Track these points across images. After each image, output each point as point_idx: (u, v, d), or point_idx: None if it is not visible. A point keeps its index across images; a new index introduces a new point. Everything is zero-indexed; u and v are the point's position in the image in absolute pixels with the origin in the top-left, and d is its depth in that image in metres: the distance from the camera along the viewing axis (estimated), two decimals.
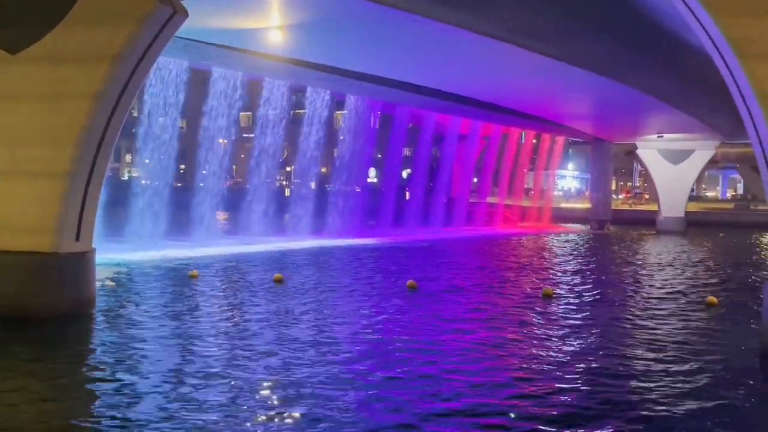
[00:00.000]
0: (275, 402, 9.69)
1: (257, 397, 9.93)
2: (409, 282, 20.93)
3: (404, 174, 66.16)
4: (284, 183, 66.97)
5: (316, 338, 13.61)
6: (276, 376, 10.89)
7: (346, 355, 12.48)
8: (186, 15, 15.42)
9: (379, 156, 64.97)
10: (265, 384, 10.50)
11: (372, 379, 10.93)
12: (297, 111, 50.52)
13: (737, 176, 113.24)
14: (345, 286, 21.07)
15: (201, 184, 40.19)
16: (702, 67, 21.18)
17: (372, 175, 66.67)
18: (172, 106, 33.61)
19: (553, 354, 12.96)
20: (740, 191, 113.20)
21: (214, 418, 9.00)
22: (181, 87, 33.24)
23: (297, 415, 9.18)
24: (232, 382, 10.48)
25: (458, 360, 12.36)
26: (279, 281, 21.25)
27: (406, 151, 62.94)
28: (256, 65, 30.63)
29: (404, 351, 12.88)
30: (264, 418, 9.04)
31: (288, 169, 70.64)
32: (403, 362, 12.05)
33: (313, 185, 47.07)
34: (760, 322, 13.87)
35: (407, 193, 55.91)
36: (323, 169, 57.49)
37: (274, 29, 24.76)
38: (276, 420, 8.98)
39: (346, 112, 45.98)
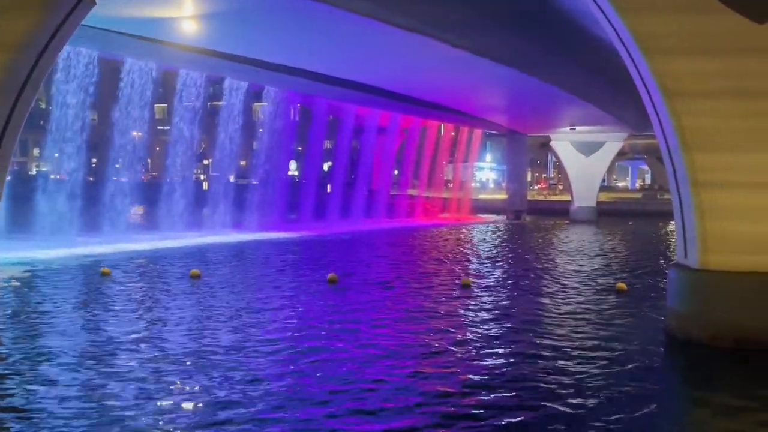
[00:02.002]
0: (183, 408, 9.37)
1: (163, 399, 9.65)
2: (330, 275, 20.89)
3: (325, 167, 65.95)
4: (202, 176, 65.58)
5: (232, 337, 13.37)
6: (192, 380, 10.65)
7: (262, 349, 12.33)
8: (93, 2, 14.82)
9: (300, 149, 64.51)
10: (175, 388, 10.23)
11: (283, 376, 10.67)
12: (214, 102, 49.52)
13: (645, 167, 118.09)
14: (264, 281, 20.83)
15: (114, 178, 38.93)
16: (611, 62, 21.92)
17: (292, 168, 66.16)
18: (83, 98, 32.40)
19: (469, 344, 13.18)
20: (648, 181, 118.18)
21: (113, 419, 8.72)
22: (92, 78, 32.07)
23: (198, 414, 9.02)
24: (140, 384, 10.19)
25: (376, 354, 12.39)
26: (196, 277, 20.82)
27: (327, 144, 62.76)
28: (171, 56, 29.85)
29: (320, 347, 12.83)
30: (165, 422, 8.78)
31: (206, 162, 69.27)
32: (317, 352, 12.01)
33: (231, 178, 46.32)
34: (666, 307, 14.52)
35: (328, 186, 55.79)
36: (242, 162, 56.65)
37: (187, 19, 24.18)
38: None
39: (264, 104, 45.43)
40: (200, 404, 9.35)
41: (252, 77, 36.36)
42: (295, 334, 13.53)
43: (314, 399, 9.66)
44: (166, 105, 57.76)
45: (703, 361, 12.40)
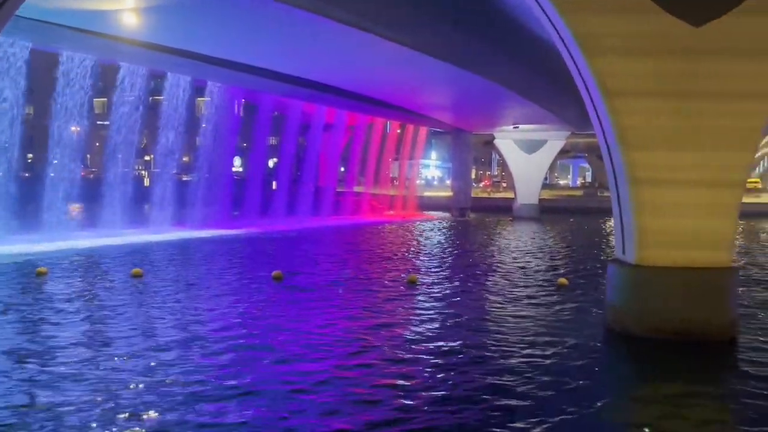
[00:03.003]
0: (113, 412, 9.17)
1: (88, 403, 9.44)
2: (275, 272, 20.72)
3: (270, 163, 65.38)
4: (143, 172, 64.21)
5: (172, 336, 13.15)
6: (128, 382, 10.43)
7: (198, 348, 12.15)
8: None
9: (244, 145, 63.77)
10: (111, 388, 10.01)
11: (225, 379, 10.45)
12: (155, 97, 48.50)
13: (586, 165, 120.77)
14: (206, 279, 20.56)
15: (52, 174, 37.73)
16: (554, 61, 22.29)
17: (237, 165, 65.37)
18: (17, 92, 31.29)
19: (414, 339, 13.25)
20: (589, 179, 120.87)
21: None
22: (27, 70, 30.99)
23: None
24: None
25: (320, 353, 12.36)
26: (137, 276, 20.38)
27: (272, 140, 62.22)
28: (111, 49, 29.10)
29: (259, 347, 12.73)
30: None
31: (147, 158, 67.84)
32: (253, 349, 11.92)
33: (174, 174, 45.43)
34: (605, 301, 14.87)
35: (274, 183, 55.30)
36: (185, 158, 55.69)
37: (128, 11, 23.66)
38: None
39: (207, 99, 44.70)
40: (119, 401, 9.22)
41: (195, 72, 35.75)
42: (234, 332, 13.36)
43: (234, 396, 9.59)
44: (105, 99, 56.29)
45: (641, 354, 12.75)
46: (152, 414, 8.80)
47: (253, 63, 32.51)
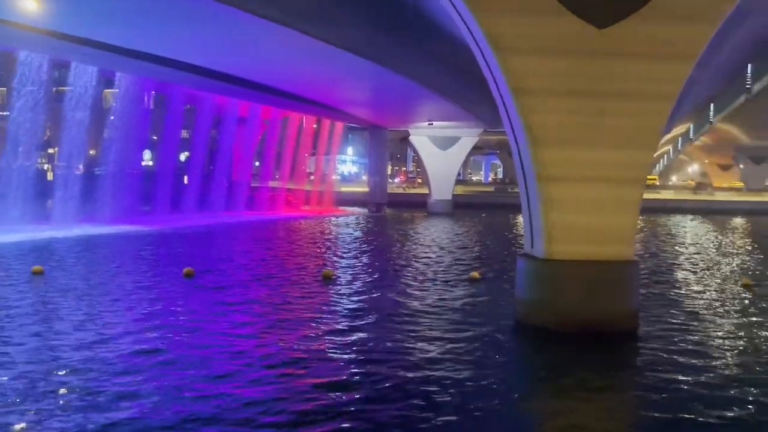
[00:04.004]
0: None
1: None
2: (186, 269, 20.24)
3: (182, 157, 63.80)
4: (46, 166, 61.37)
5: (73, 336, 12.64)
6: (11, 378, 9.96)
7: (97, 349, 11.75)
8: None
9: (155, 138, 61.98)
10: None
11: (121, 385, 9.98)
12: (60, 88, 46.49)
13: (498, 161, 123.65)
14: (113, 277, 19.86)
15: None
16: (469, 61, 22.69)
17: (147, 158, 63.48)
18: None
19: (327, 334, 13.21)
20: (500, 175, 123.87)
21: None
22: None
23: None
24: None
25: (214, 352, 12.15)
26: (38, 274, 19.48)
27: (184, 133, 60.74)
28: (9, 36, 27.63)
29: (157, 349, 12.41)
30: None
31: (51, 150, 64.92)
32: (156, 353, 11.63)
33: (80, 168, 43.65)
34: (515, 294, 15.24)
35: (185, 177, 53.99)
36: (91, 151, 53.61)
37: None
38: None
39: (116, 90, 43.14)
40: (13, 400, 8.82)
41: (101, 62, 34.39)
42: (137, 335, 12.93)
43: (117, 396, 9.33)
44: (5, 89, 53.53)
45: (548, 346, 13.14)
46: (44, 421, 8.44)
47: (164, 54, 31.53)
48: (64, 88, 41.77)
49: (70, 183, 39.51)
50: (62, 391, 9.47)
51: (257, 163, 70.03)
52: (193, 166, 53.55)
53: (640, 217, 19.05)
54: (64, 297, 16.25)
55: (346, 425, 8.58)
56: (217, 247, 28.64)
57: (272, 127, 60.76)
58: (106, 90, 52.76)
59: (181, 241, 30.99)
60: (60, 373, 10.25)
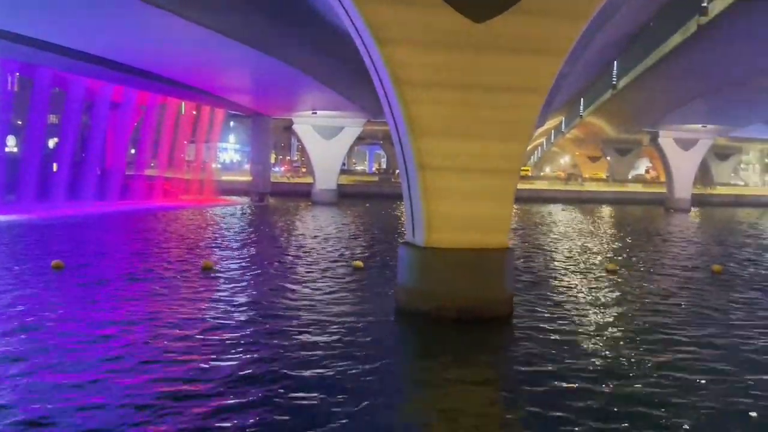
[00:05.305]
0: None
1: None
2: (55, 261, 19.16)
3: (50, 143, 60.27)
4: None
5: None
6: None
7: None
8: None
9: (19, 122, 58.19)
10: None
11: None
12: None
13: (381, 152, 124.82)
14: None
15: None
16: (352, 50, 22.74)
17: (11, 144, 59.49)
18: None
19: (206, 326, 12.93)
20: (384, 165, 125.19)
21: None
22: None
23: None
24: None
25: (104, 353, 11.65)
26: None
27: (52, 118, 57.40)
28: None
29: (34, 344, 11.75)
30: None
31: None
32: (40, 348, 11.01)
33: None
34: (396, 282, 15.48)
35: (54, 165, 51.03)
36: None
37: None
38: None
39: None
40: None
41: None
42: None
43: None
44: None
45: (428, 331, 13.46)
46: None
47: (29, 34, 29.49)
48: None
49: None
50: None
51: (133, 151, 67.24)
52: (63, 152, 50.71)
53: (515, 207, 19.79)
54: None
55: (216, 411, 8.44)
56: (88, 239, 27.28)
57: (149, 114, 58.49)
58: None
59: (50, 231, 29.28)
60: None
